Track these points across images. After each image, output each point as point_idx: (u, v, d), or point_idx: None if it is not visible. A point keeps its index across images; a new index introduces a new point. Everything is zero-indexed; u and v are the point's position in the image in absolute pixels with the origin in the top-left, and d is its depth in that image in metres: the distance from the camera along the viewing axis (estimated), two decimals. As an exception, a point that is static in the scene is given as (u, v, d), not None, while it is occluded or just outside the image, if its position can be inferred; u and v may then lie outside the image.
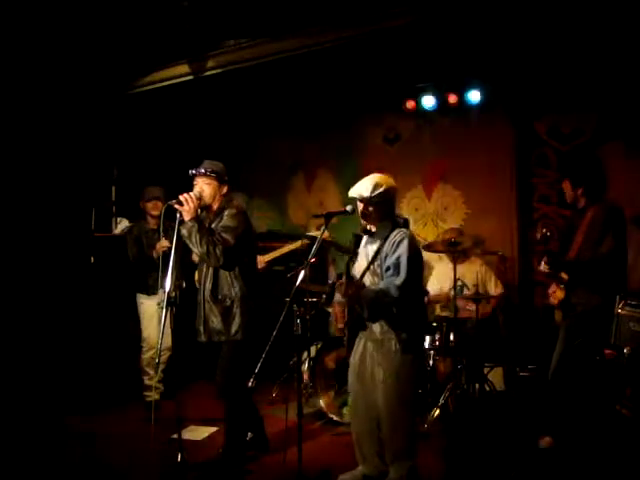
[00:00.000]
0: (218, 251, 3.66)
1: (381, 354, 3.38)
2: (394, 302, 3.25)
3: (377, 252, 3.40)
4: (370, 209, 3.42)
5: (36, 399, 4.86)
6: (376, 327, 3.40)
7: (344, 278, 3.43)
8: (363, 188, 3.40)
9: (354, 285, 3.35)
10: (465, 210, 6.14)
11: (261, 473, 3.83)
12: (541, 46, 4.96)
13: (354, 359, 3.56)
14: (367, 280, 3.42)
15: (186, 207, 3.63)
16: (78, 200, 5.77)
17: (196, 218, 3.66)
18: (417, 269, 3.40)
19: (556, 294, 4.14)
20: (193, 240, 3.64)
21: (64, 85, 5.46)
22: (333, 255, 6.54)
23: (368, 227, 3.54)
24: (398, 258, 3.30)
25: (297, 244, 5.17)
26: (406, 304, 3.30)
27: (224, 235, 3.74)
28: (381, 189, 3.38)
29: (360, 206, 3.46)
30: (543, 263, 4.10)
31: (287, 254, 5.31)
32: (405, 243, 3.32)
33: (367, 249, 3.52)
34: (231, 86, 5.94)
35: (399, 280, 3.25)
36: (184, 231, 3.66)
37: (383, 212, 3.45)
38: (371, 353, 3.44)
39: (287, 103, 6.53)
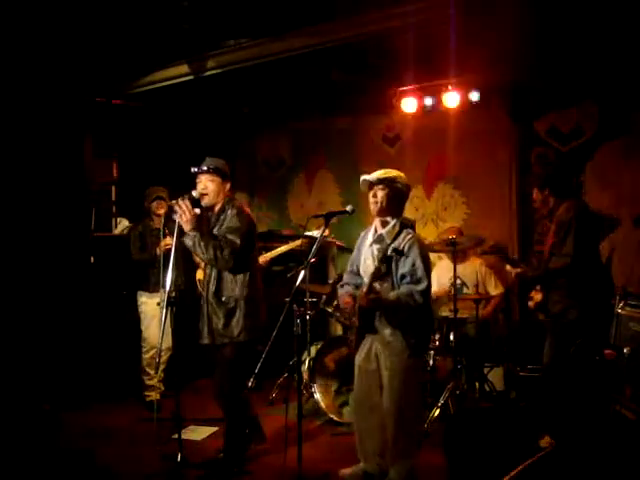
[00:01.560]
0: (226, 254, 3.61)
1: (389, 356, 3.38)
2: (417, 308, 3.27)
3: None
4: (379, 194, 3.41)
5: (35, 398, 4.86)
6: (386, 329, 3.39)
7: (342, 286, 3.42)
8: (374, 173, 3.43)
9: (375, 292, 3.31)
10: (465, 210, 6.13)
11: (261, 473, 3.83)
12: (540, 45, 4.95)
13: (359, 356, 3.55)
14: (376, 284, 3.37)
15: (184, 218, 3.58)
16: (78, 200, 5.76)
17: (196, 227, 3.61)
18: (430, 272, 3.41)
19: (535, 297, 4.15)
20: (199, 250, 3.61)
21: (65, 85, 5.46)
22: (333, 255, 6.54)
23: (377, 221, 3.51)
24: (413, 265, 3.30)
25: (297, 243, 5.18)
26: (421, 308, 3.30)
27: (230, 237, 3.67)
28: (391, 175, 3.42)
29: (370, 194, 3.45)
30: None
31: (287, 254, 5.31)
32: (416, 248, 3.33)
33: (372, 249, 3.48)
34: (231, 86, 5.94)
35: (421, 287, 3.27)
36: (189, 243, 3.62)
37: (392, 204, 3.43)
38: (378, 353, 3.44)
39: (287, 103, 6.53)
